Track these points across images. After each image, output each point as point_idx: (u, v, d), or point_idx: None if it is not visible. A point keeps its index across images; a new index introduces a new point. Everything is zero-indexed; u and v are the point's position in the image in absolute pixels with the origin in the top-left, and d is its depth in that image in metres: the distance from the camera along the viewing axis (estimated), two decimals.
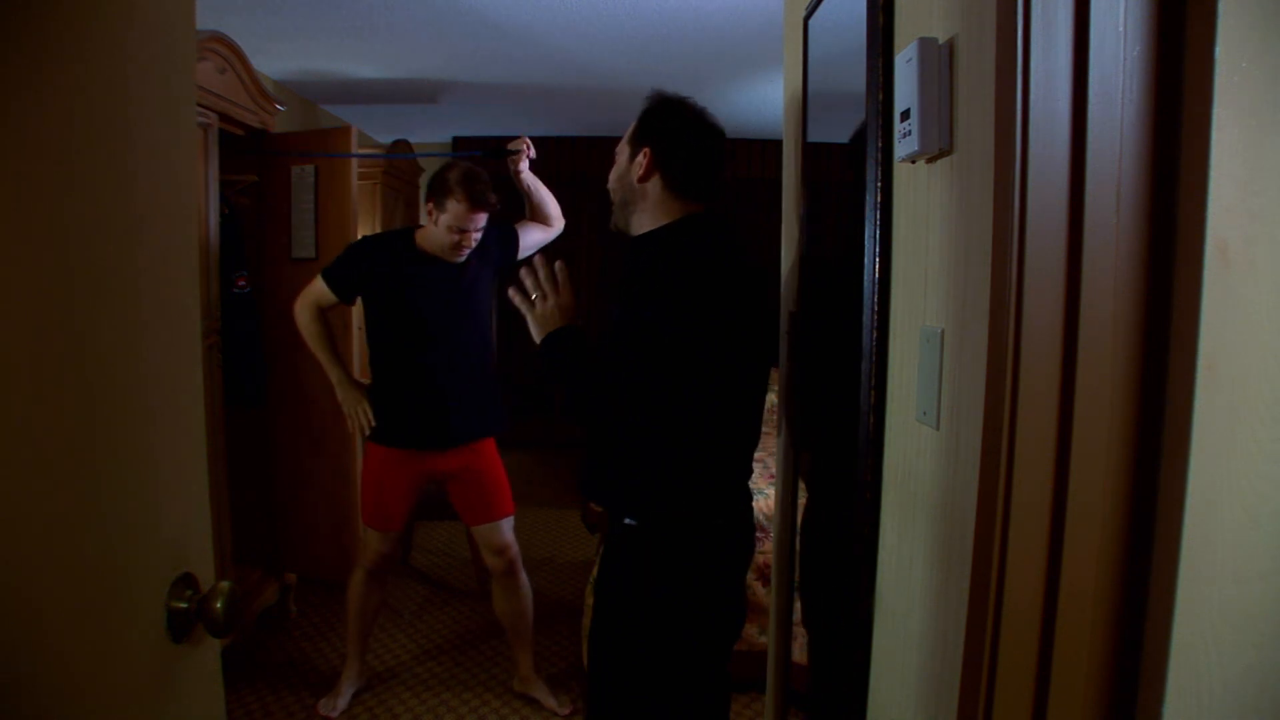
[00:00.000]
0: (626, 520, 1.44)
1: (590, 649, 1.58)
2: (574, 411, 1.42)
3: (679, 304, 1.34)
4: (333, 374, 2.38)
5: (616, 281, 1.56)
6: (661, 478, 1.39)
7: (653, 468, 1.39)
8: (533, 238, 2.55)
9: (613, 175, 1.54)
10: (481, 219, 2.25)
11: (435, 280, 2.31)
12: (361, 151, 3.48)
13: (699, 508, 1.43)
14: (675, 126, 1.49)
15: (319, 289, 2.34)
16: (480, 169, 2.28)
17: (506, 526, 2.47)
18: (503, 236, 2.49)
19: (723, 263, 1.43)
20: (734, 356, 1.42)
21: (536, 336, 1.45)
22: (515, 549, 2.48)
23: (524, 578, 2.50)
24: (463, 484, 2.44)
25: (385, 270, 2.31)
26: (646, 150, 1.47)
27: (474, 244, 2.29)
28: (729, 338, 1.39)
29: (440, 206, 2.24)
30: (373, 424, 2.35)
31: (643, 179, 1.47)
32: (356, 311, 2.62)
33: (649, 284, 1.38)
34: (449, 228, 2.24)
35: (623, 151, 1.53)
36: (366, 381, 2.44)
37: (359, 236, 3.05)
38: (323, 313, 2.37)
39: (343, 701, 2.46)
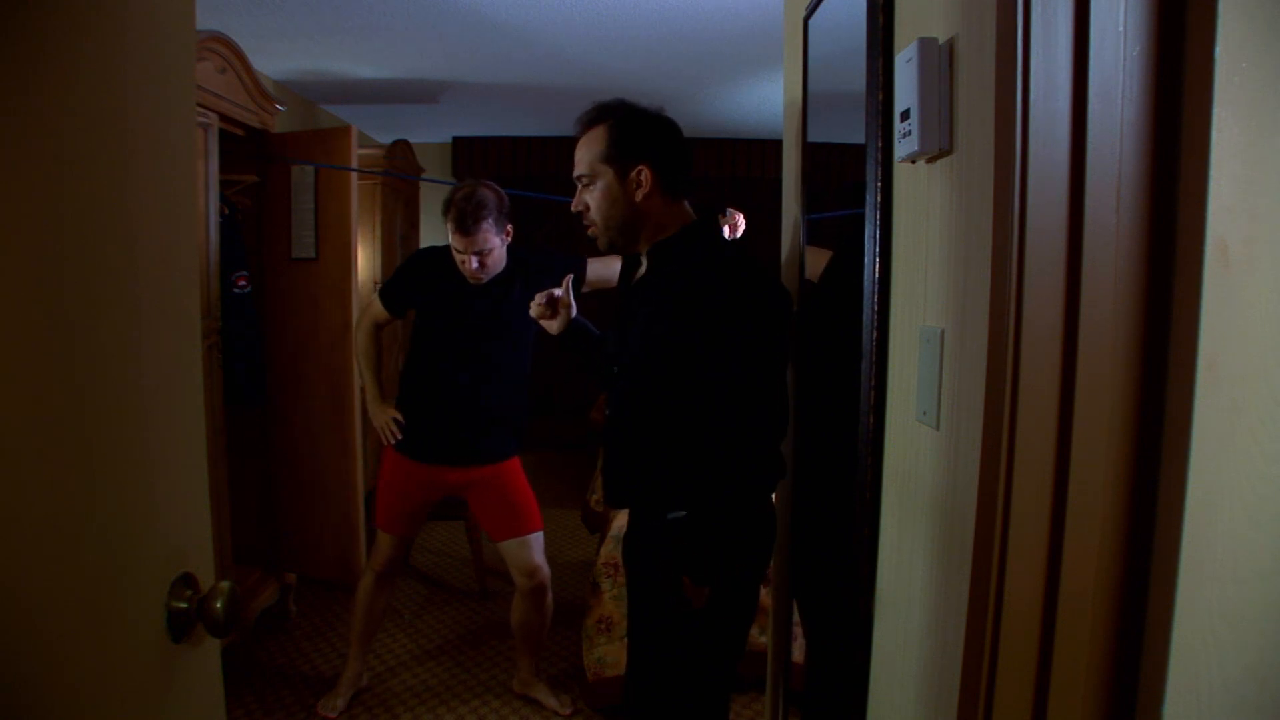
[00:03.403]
0: (671, 515, 1.42)
1: (639, 646, 1.55)
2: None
3: (740, 311, 1.35)
4: (369, 391, 2.43)
5: (635, 289, 1.54)
6: (716, 467, 1.38)
7: (707, 460, 1.37)
8: (616, 270, 2.40)
9: (599, 203, 1.45)
10: (480, 243, 2.18)
11: (471, 303, 2.29)
12: (364, 164, 3.48)
13: (753, 494, 1.43)
14: (660, 136, 1.45)
15: (376, 306, 2.39)
16: (489, 192, 2.21)
17: (536, 545, 2.41)
18: (565, 268, 2.38)
19: (753, 262, 1.43)
20: (780, 345, 1.43)
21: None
22: (545, 571, 2.43)
23: (550, 599, 2.47)
24: (483, 498, 2.42)
25: (431, 285, 2.32)
26: (644, 169, 1.42)
27: (477, 266, 2.22)
28: (776, 330, 1.41)
29: (447, 228, 2.24)
30: (399, 437, 2.35)
31: (647, 198, 1.43)
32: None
33: (701, 293, 1.36)
34: (454, 249, 2.24)
35: (601, 174, 1.44)
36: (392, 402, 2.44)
37: (357, 236, 3.07)
38: (378, 331, 2.42)
39: (343, 701, 2.46)
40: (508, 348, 2.35)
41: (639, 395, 1.48)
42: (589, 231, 1.50)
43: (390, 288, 2.40)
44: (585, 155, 1.46)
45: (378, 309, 2.39)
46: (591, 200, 1.46)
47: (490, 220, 2.19)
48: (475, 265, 2.22)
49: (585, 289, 2.44)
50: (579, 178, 1.48)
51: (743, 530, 1.42)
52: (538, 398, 1.49)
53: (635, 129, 1.44)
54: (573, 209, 1.51)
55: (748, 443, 1.37)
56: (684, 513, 1.41)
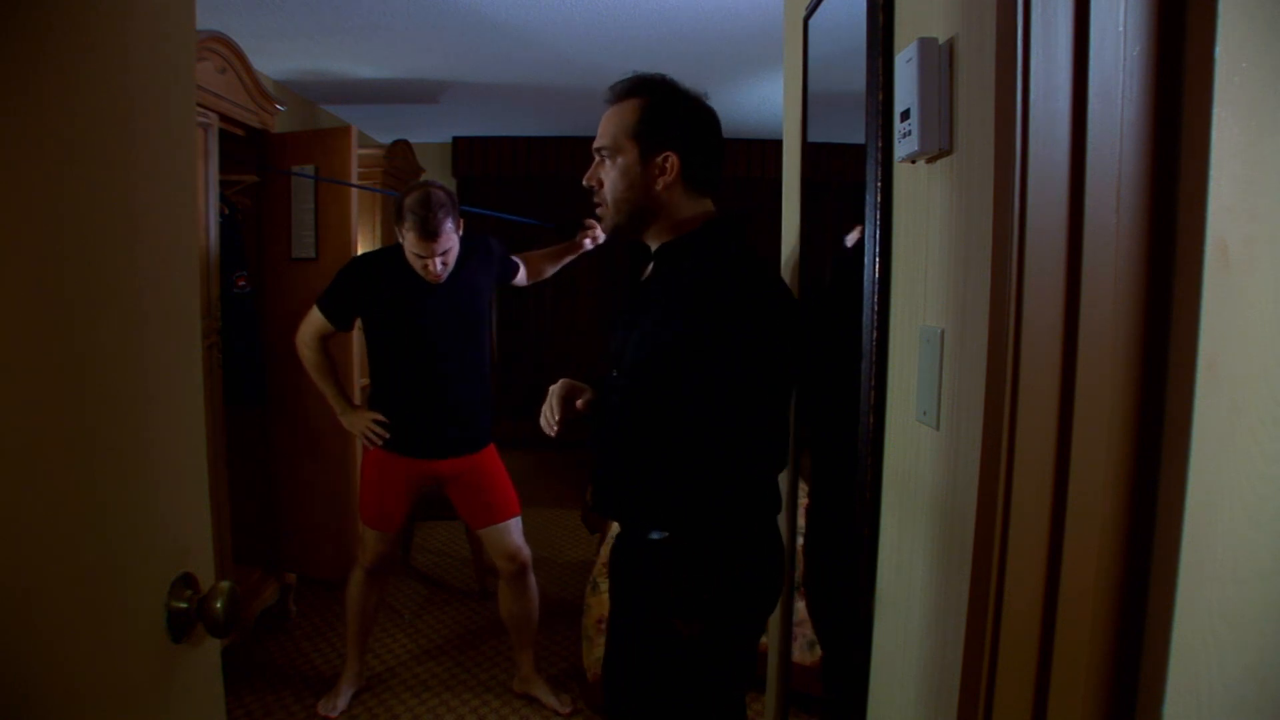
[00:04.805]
0: (653, 535, 1.35)
1: (614, 666, 1.50)
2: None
3: (743, 323, 1.26)
4: (335, 404, 2.41)
5: (641, 290, 1.44)
6: (704, 488, 1.28)
7: (694, 479, 1.28)
8: (521, 277, 2.65)
9: (614, 181, 1.35)
10: (442, 246, 2.18)
11: (431, 295, 2.29)
12: (364, 164, 3.49)
13: (739, 516, 1.33)
14: (696, 124, 1.35)
15: (317, 319, 2.33)
16: (440, 191, 2.21)
17: (515, 529, 2.44)
18: (503, 262, 2.52)
19: (761, 271, 1.35)
20: (782, 364, 1.35)
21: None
22: (526, 553, 2.46)
23: (533, 581, 2.49)
24: (463, 487, 2.43)
25: (381, 289, 2.30)
26: (671, 156, 1.31)
27: (442, 267, 2.22)
28: (779, 347, 1.33)
29: (400, 234, 2.23)
30: (386, 437, 2.34)
31: (668, 187, 1.33)
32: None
33: (705, 301, 1.27)
34: (411, 253, 2.22)
35: (624, 150, 1.33)
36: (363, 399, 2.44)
37: (357, 236, 3.06)
38: (324, 342, 2.38)
39: (342, 701, 2.46)
40: (467, 337, 2.36)
41: (637, 402, 1.38)
42: (597, 211, 1.40)
43: (333, 301, 2.32)
44: (611, 127, 1.35)
45: (320, 322, 2.32)
46: (607, 178, 1.35)
47: (450, 220, 2.19)
48: (439, 266, 2.22)
49: (520, 283, 2.61)
50: (598, 150, 1.37)
51: (729, 562, 1.30)
52: (539, 397, 1.46)
53: (672, 111, 1.33)
54: (584, 183, 1.41)
55: (736, 467, 1.28)
56: (665, 534, 1.33)
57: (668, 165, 1.32)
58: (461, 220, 2.28)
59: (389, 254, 2.35)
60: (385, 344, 2.36)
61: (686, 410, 1.28)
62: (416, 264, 2.23)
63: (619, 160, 1.34)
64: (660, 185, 1.33)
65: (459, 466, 2.40)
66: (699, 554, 1.29)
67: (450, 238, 2.20)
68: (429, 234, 2.16)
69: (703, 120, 1.36)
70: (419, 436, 2.35)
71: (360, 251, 2.85)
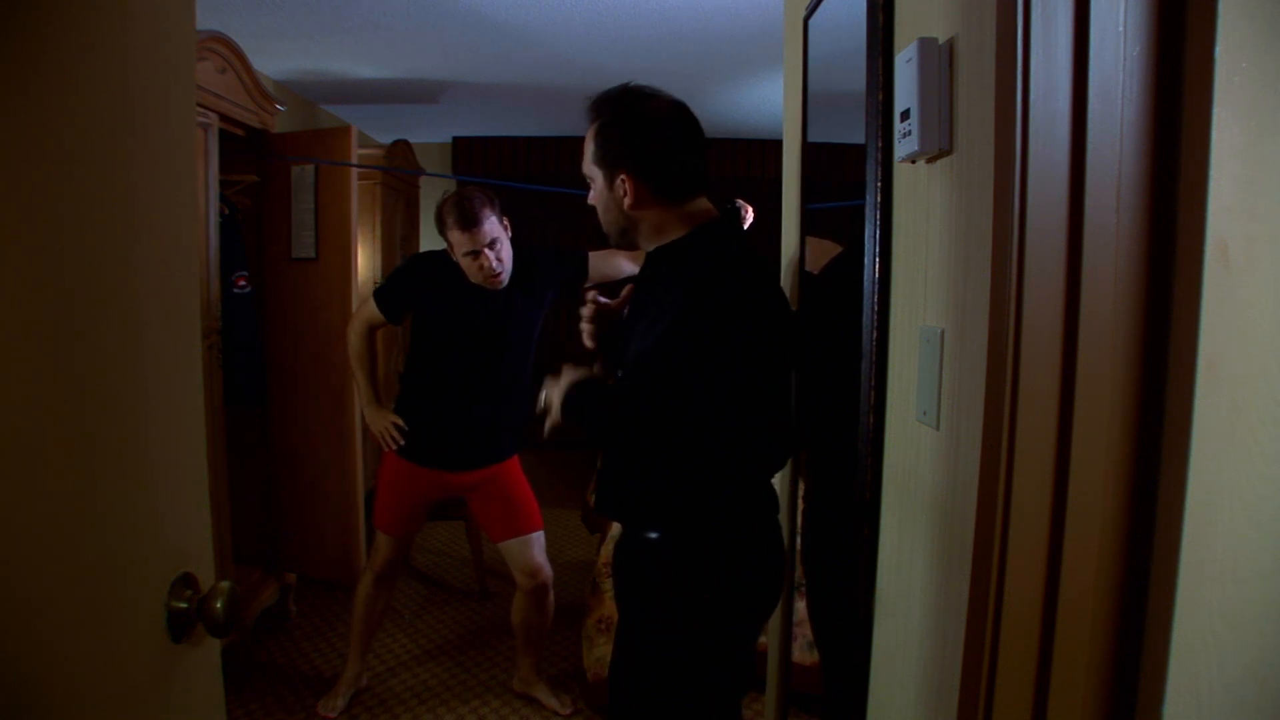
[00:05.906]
0: (649, 534, 1.37)
1: (618, 670, 1.50)
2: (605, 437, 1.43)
3: (740, 322, 1.27)
4: (364, 395, 2.41)
5: (641, 291, 1.46)
6: (699, 488, 1.31)
7: (690, 478, 1.30)
8: (618, 267, 2.43)
9: (599, 207, 1.40)
10: (487, 234, 2.15)
11: (476, 309, 2.26)
12: (366, 163, 3.49)
13: (734, 516, 1.34)
14: (644, 140, 1.33)
15: (370, 309, 2.34)
16: (473, 190, 2.20)
17: (536, 544, 2.41)
18: (564, 265, 2.41)
19: (756, 271, 1.36)
20: (777, 364, 1.37)
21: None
22: (547, 572, 2.43)
23: (551, 599, 2.47)
24: (483, 499, 2.42)
25: (432, 292, 2.29)
26: (625, 177, 1.31)
27: (498, 263, 2.18)
28: (773, 347, 1.34)
29: (447, 240, 2.21)
30: (401, 443, 2.33)
31: (635, 206, 1.33)
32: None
33: (701, 301, 1.28)
34: (463, 255, 2.19)
35: (595, 176, 1.37)
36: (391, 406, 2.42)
37: (357, 236, 3.06)
38: (372, 333, 2.38)
39: (342, 701, 2.46)
40: (511, 356, 2.34)
41: (635, 402, 1.38)
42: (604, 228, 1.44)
43: (388, 293, 2.34)
44: (585, 154, 1.39)
45: (373, 312, 2.34)
46: (595, 201, 1.41)
47: (489, 209, 2.17)
48: (494, 262, 2.17)
49: (588, 284, 2.43)
50: (585, 175, 1.42)
51: (724, 563, 1.31)
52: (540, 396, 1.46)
53: (615, 134, 1.34)
54: (588, 202, 1.44)
55: (732, 467, 1.29)
56: (658, 534, 1.35)
57: (626, 187, 1.33)
58: (507, 220, 2.24)
59: (448, 259, 2.30)
60: (428, 348, 2.34)
61: (682, 409, 1.29)
62: (471, 268, 2.19)
63: (595, 185, 1.39)
64: (626, 205, 1.34)
65: (479, 477, 2.39)
66: (693, 554, 1.30)
67: (495, 227, 2.17)
68: (470, 220, 2.12)
69: (656, 133, 1.33)
70: (441, 448, 2.34)
71: (359, 251, 2.84)
